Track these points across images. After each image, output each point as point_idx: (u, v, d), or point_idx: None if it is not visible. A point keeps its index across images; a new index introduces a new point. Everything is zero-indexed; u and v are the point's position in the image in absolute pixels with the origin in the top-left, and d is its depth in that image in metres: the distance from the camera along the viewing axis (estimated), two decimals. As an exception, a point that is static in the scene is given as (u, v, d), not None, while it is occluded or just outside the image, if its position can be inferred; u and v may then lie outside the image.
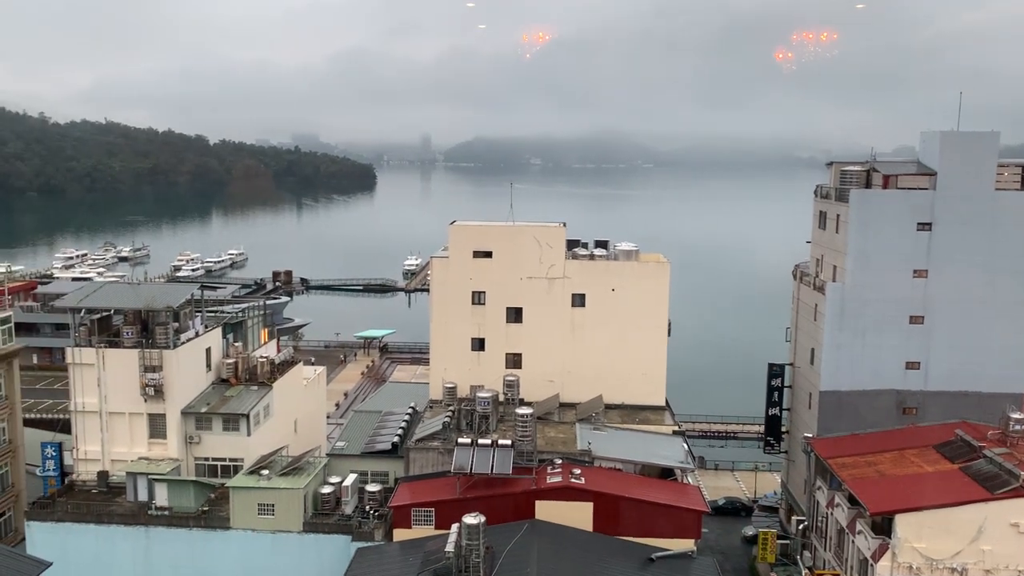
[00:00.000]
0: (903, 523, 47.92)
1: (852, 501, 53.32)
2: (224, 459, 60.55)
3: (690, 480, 55.79)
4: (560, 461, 53.44)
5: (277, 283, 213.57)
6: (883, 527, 49.44)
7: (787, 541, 69.49)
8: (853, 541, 52.61)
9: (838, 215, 70.38)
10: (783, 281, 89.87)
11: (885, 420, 66.46)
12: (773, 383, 78.01)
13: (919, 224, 67.37)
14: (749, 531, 76.51)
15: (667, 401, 67.76)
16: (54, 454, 65.85)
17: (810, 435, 66.01)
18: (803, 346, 75.28)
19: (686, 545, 49.26)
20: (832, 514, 57.00)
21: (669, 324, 67.26)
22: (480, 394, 60.60)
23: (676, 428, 63.35)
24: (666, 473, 55.75)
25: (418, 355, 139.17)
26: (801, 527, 64.49)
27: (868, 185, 69.55)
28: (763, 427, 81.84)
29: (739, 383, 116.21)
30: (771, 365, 78.48)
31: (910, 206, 67.53)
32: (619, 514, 50.20)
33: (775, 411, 78.50)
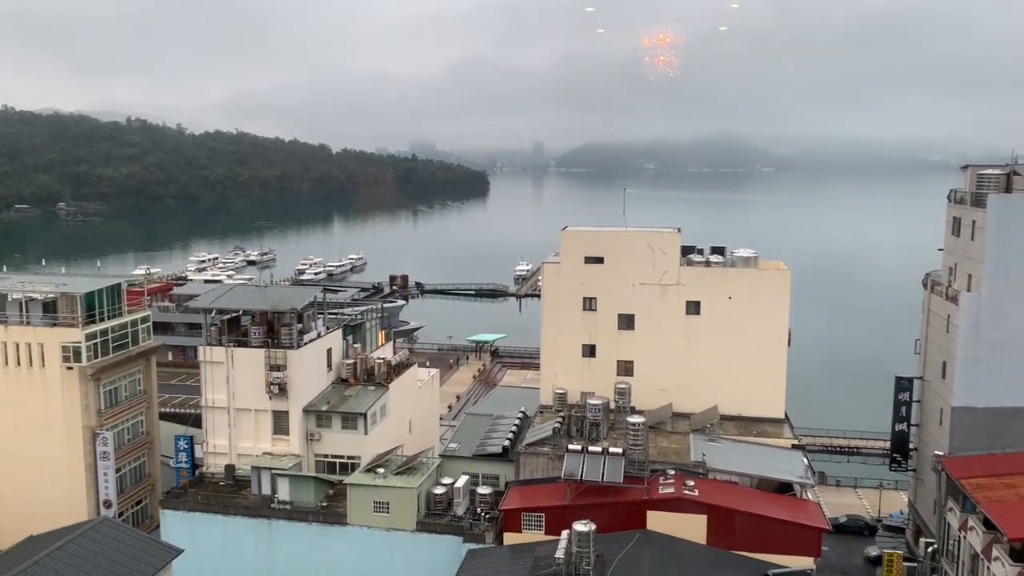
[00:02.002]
0: (1046, 551, 44.64)
1: (988, 525, 50.06)
2: (342, 456, 62.51)
3: (810, 496, 53.72)
4: (673, 472, 52.51)
5: (394, 287, 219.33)
6: (1023, 554, 46.17)
7: (914, 564, 65.82)
8: (988, 567, 49.36)
9: (974, 221, 66.31)
10: (911, 290, 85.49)
11: (1025, 440, 62.04)
12: (901, 397, 74.22)
13: (1066, 231, 62.61)
14: (873, 552, 72.96)
15: (786, 414, 65.53)
16: (186, 447, 69.52)
17: (941, 453, 62.40)
18: (934, 359, 71.27)
19: (805, 563, 47.44)
20: (965, 538, 53.69)
21: (789, 334, 65.06)
22: (591, 401, 60.28)
23: (795, 442, 61.18)
24: (784, 488, 53.89)
25: (528, 360, 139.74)
26: (930, 550, 61.03)
27: (1008, 189, 65.24)
28: (889, 443, 77.87)
29: (863, 396, 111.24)
30: (899, 378, 74.70)
31: (1056, 211, 62.84)
32: (734, 528, 48.86)
33: (903, 427, 74.63)
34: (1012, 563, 46.43)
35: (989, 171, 66.98)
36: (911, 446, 75.03)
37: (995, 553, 48.43)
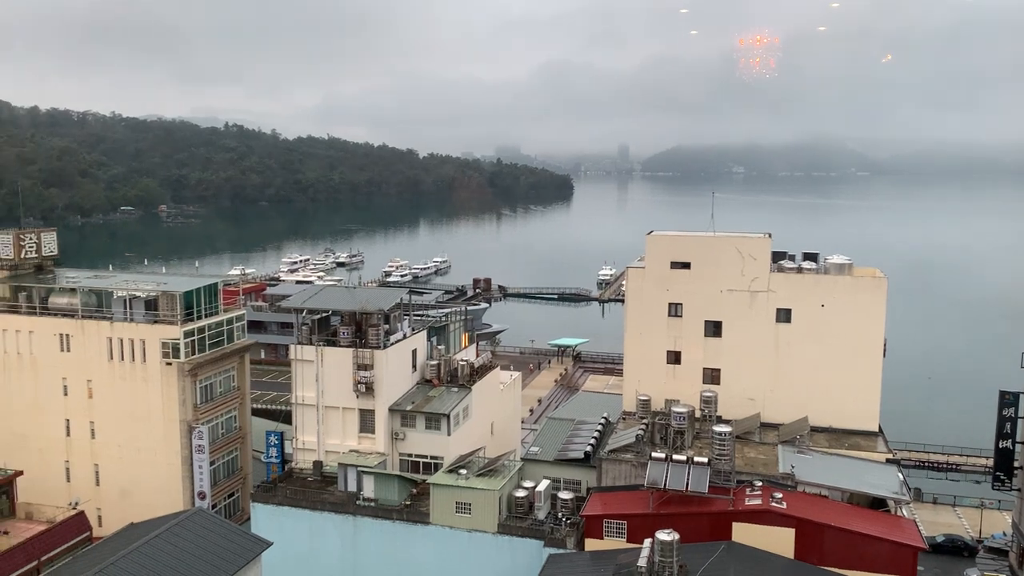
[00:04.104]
0: None
1: (1102, 552, 47.04)
2: (425, 456, 63.25)
3: (904, 513, 51.55)
4: (760, 483, 51.17)
5: (477, 290, 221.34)
6: None
7: (1018, 589, 62.53)
8: (1103, 597, 46.35)
9: (1090, 228, 62.62)
10: (1018, 300, 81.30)
11: None
12: (1005, 413, 70.46)
13: None
14: (972, 574, 69.62)
15: (880, 427, 63.09)
16: (277, 442, 71.45)
17: (1050, 473, 59.03)
18: (1042, 373, 67.52)
19: (899, 583, 45.54)
20: (1076, 564, 50.55)
21: (885, 344, 62.65)
22: (676, 408, 59.30)
23: (890, 456, 58.81)
24: (877, 504, 51.86)
25: (611, 365, 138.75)
26: (1037, 575, 57.80)
27: None
28: (992, 460, 74.19)
29: (964, 411, 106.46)
30: (1003, 393, 70.94)
31: None
32: (823, 543, 47.28)
33: (1007, 443, 70.84)
34: None
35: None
36: (1016, 464, 71.25)
37: (1110, 582, 45.45)
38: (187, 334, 67.81)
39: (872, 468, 55.55)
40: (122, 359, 68.85)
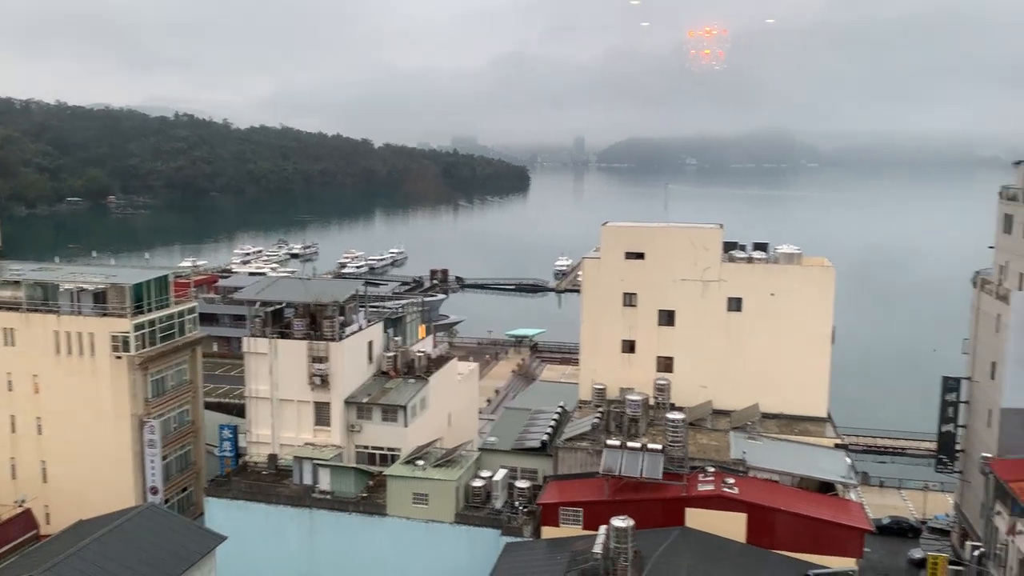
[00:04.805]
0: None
1: (1038, 530, 48.88)
2: (382, 448, 63.07)
3: (852, 496, 52.98)
4: (712, 469, 52.15)
5: (434, 281, 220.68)
6: (1074, 561, 45.02)
7: (959, 567, 64.53)
8: (1038, 574, 48.20)
9: (1027, 218, 64.67)
10: (960, 290, 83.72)
11: (1078, 444, 60.44)
12: (948, 398, 72.78)
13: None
14: (917, 554, 71.72)
15: (829, 412, 64.62)
16: (230, 436, 70.64)
17: (989, 455, 61.08)
18: (983, 359, 69.72)
19: (846, 564, 46.80)
20: (1013, 542, 52.48)
21: (833, 332, 64.13)
22: (630, 397, 60.07)
23: (838, 441, 60.32)
24: (826, 488, 53.18)
25: (567, 355, 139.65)
26: (976, 553, 59.76)
27: (1063, 185, 63.51)
28: (935, 444, 76.47)
29: (909, 396, 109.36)
30: (946, 378, 73.24)
31: (1114, 209, 61.07)
32: (774, 527, 48.38)
33: (949, 428, 73.17)
34: (1062, 569, 45.31)
35: (1043, 167, 65.26)
36: (958, 447, 73.54)
37: (1045, 558, 47.28)
38: (137, 327, 66.59)
39: (821, 453, 56.92)
40: (69, 353, 67.36)
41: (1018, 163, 70.01)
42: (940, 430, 73.82)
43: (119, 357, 66.13)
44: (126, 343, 65.93)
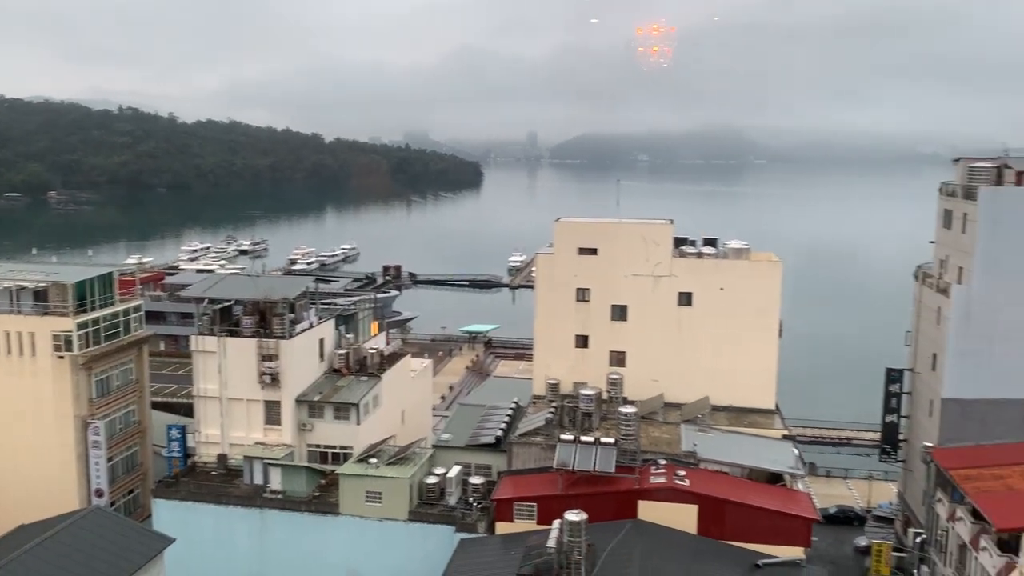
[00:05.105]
0: (1033, 542, 44.98)
1: (976, 516, 50.45)
2: (335, 447, 62.47)
3: (800, 487, 54.01)
4: (664, 462, 52.73)
5: (387, 277, 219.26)
6: (1010, 544, 46.55)
7: (903, 554, 66.43)
8: (976, 558, 49.76)
9: (965, 214, 66.63)
10: (903, 283, 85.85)
11: (1014, 432, 62.46)
12: (891, 389, 74.73)
13: (1056, 224, 62.93)
14: (862, 542, 73.56)
15: (777, 405, 65.83)
16: (178, 436, 69.27)
17: (931, 444, 62.84)
18: (924, 351, 71.71)
19: (795, 553, 47.70)
20: (953, 528, 54.09)
21: (780, 325, 65.32)
22: (583, 391, 60.46)
23: (786, 432, 61.50)
24: (775, 479, 54.19)
25: (522, 351, 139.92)
26: (919, 540, 61.52)
27: (999, 182, 65.55)
28: (879, 434, 78.48)
29: (854, 388, 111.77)
30: (889, 370, 75.19)
31: (1047, 204, 63.15)
32: (725, 518, 49.11)
33: (893, 418, 75.17)
34: (999, 553, 46.81)
35: (980, 164, 67.29)
36: (901, 437, 75.54)
37: (983, 543, 48.81)
38: (80, 326, 64.88)
39: (769, 444, 57.95)
40: (9, 353, 65.33)
41: (957, 160, 72.06)
42: (884, 421, 75.77)
43: (61, 357, 64.38)
44: (68, 342, 64.20)
